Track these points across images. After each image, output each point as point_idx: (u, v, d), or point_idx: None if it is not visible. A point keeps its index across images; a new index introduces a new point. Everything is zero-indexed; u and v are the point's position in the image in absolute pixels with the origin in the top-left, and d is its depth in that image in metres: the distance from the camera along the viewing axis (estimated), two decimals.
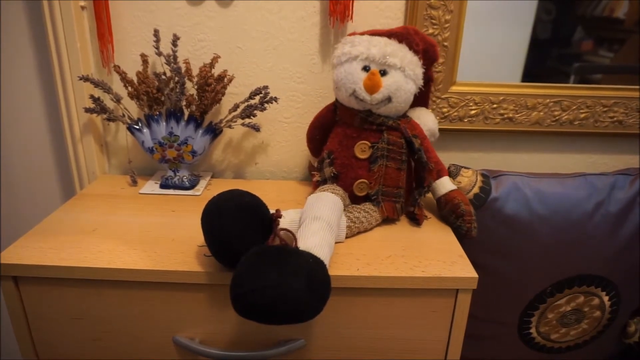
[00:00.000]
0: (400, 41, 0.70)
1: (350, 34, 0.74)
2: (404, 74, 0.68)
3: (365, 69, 0.68)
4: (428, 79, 0.74)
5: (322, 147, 0.78)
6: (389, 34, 0.70)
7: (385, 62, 0.67)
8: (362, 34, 0.72)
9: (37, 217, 0.97)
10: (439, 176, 0.74)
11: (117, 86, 0.84)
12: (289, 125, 0.92)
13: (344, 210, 0.69)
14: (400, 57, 0.68)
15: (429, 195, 0.76)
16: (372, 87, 0.67)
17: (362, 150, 0.71)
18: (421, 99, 0.77)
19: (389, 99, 0.68)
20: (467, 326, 0.65)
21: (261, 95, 0.81)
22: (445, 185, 0.74)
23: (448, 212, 0.73)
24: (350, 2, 0.81)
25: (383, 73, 0.68)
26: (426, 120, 0.77)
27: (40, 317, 0.63)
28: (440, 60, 0.85)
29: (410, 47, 0.70)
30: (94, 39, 0.84)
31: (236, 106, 0.83)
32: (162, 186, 0.85)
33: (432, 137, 0.78)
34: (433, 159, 0.73)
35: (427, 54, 0.72)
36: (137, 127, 0.82)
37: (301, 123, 0.91)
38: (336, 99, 0.75)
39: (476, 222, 0.71)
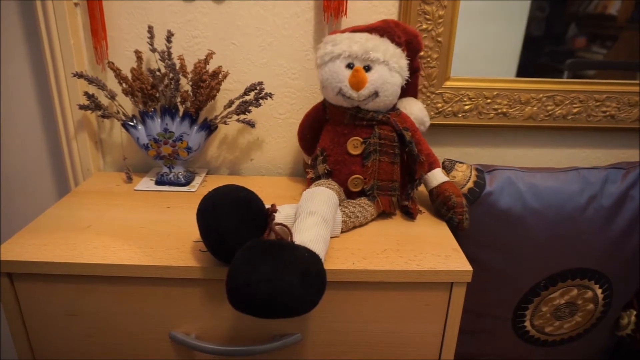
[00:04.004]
0: (381, 35, 0.70)
1: (330, 33, 0.74)
2: (388, 67, 0.68)
3: (349, 66, 0.68)
4: (415, 69, 0.74)
5: (314, 145, 0.78)
6: (370, 29, 0.70)
7: (368, 57, 0.67)
8: (342, 31, 0.72)
9: (31, 214, 0.97)
10: (431, 168, 0.74)
11: (112, 83, 0.84)
12: (283, 121, 0.92)
13: (340, 205, 0.69)
14: (382, 51, 0.68)
15: (425, 190, 0.76)
16: (357, 84, 0.67)
17: (354, 146, 0.71)
18: (410, 90, 0.77)
19: (375, 94, 0.68)
20: (462, 320, 0.65)
21: (256, 91, 0.81)
22: (437, 177, 0.74)
23: (440, 204, 0.73)
24: None
25: (367, 69, 0.68)
26: (413, 109, 0.77)
27: (35, 313, 0.63)
28: (435, 55, 0.86)
29: (392, 40, 0.70)
30: (87, 35, 0.84)
31: (231, 102, 0.83)
32: (158, 183, 0.85)
33: (422, 126, 0.78)
34: (424, 151, 0.73)
35: (411, 45, 0.72)
36: (132, 123, 0.82)
37: (296, 119, 0.91)
38: (324, 98, 0.75)
39: (468, 214, 0.71)
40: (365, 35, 0.70)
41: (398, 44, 0.70)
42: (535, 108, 0.91)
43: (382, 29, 0.70)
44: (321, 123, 0.77)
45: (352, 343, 0.66)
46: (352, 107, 0.71)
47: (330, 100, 0.72)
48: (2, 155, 0.93)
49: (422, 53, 0.83)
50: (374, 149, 0.70)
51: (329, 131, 0.74)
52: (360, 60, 0.68)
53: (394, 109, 0.73)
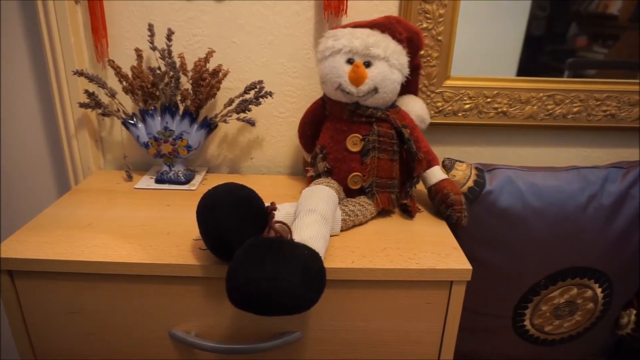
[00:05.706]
0: (383, 31, 0.70)
1: (332, 28, 0.74)
2: (388, 63, 0.68)
3: (350, 61, 0.68)
4: (415, 66, 0.74)
5: (314, 143, 0.78)
6: (371, 25, 0.70)
7: (369, 53, 0.67)
8: (344, 27, 0.72)
9: (32, 212, 0.97)
10: (430, 166, 0.74)
11: (112, 81, 0.84)
12: (284, 120, 0.92)
13: (339, 203, 0.69)
14: (383, 47, 0.68)
15: (425, 189, 0.76)
16: (357, 80, 0.67)
17: (353, 143, 0.71)
18: (410, 88, 0.77)
19: (375, 90, 0.68)
20: (462, 319, 0.65)
21: (256, 89, 0.81)
22: (435, 174, 0.74)
23: (438, 201, 0.73)
24: None
25: (367, 64, 0.68)
26: (414, 106, 0.77)
27: (36, 311, 0.63)
28: (435, 54, 0.86)
29: (394, 37, 0.70)
30: (88, 33, 0.84)
31: (231, 101, 0.83)
32: (158, 181, 0.85)
33: (422, 124, 0.78)
34: (423, 148, 0.73)
35: (412, 42, 0.72)
36: (132, 122, 0.82)
37: (296, 118, 0.91)
38: (324, 94, 0.75)
39: (466, 212, 0.71)
40: (367, 31, 0.69)
41: (399, 41, 0.70)
42: (535, 107, 0.91)
43: (383, 25, 0.70)
44: (321, 119, 0.77)
45: (352, 341, 0.66)
46: (351, 103, 0.70)
47: (330, 95, 0.72)
48: (2, 152, 0.94)
49: (422, 52, 0.83)
50: (372, 146, 0.70)
51: (329, 128, 0.74)
52: (361, 56, 0.68)
53: (393, 106, 0.73)
